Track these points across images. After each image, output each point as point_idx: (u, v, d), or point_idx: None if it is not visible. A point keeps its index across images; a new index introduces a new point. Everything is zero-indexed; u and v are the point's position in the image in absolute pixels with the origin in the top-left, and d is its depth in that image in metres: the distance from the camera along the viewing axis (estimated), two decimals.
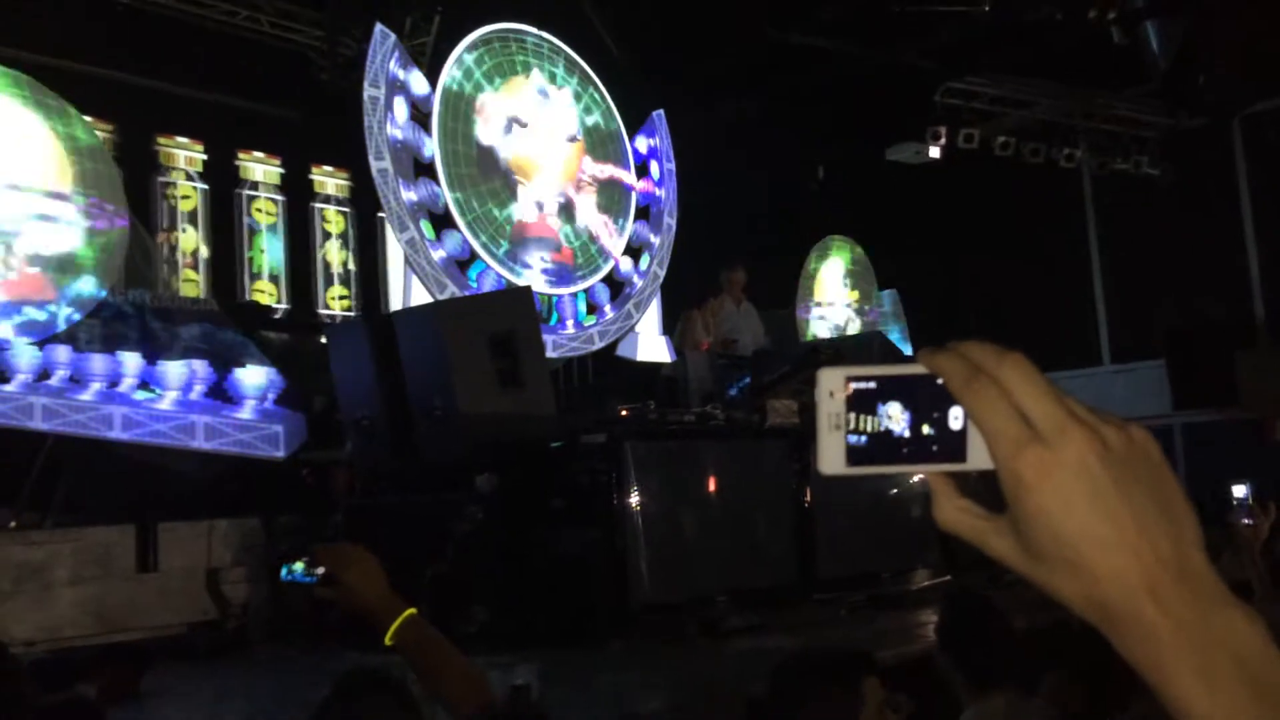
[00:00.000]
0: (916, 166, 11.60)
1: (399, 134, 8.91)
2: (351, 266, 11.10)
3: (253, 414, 7.42)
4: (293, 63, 9.95)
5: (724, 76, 11.00)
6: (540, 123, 10.11)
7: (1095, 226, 13.34)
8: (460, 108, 9.50)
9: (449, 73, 9.46)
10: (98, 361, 7.18)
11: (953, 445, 0.63)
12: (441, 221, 9.12)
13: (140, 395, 7.21)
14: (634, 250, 10.64)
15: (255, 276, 10.44)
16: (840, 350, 8.65)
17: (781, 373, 7.60)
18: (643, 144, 10.91)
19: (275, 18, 9.73)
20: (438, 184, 9.15)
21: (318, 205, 10.98)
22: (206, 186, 10.19)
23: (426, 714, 1.95)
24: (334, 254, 10.99)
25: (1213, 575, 0.59)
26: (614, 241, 10.48)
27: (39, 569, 5.96)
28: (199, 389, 7.38)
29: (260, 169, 10.58)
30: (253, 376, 7.54)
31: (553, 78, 10.32)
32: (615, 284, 10.40)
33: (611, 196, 10.55)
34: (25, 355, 6.97)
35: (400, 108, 8.95)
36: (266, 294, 10.40)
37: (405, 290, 8.94)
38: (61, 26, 8.46)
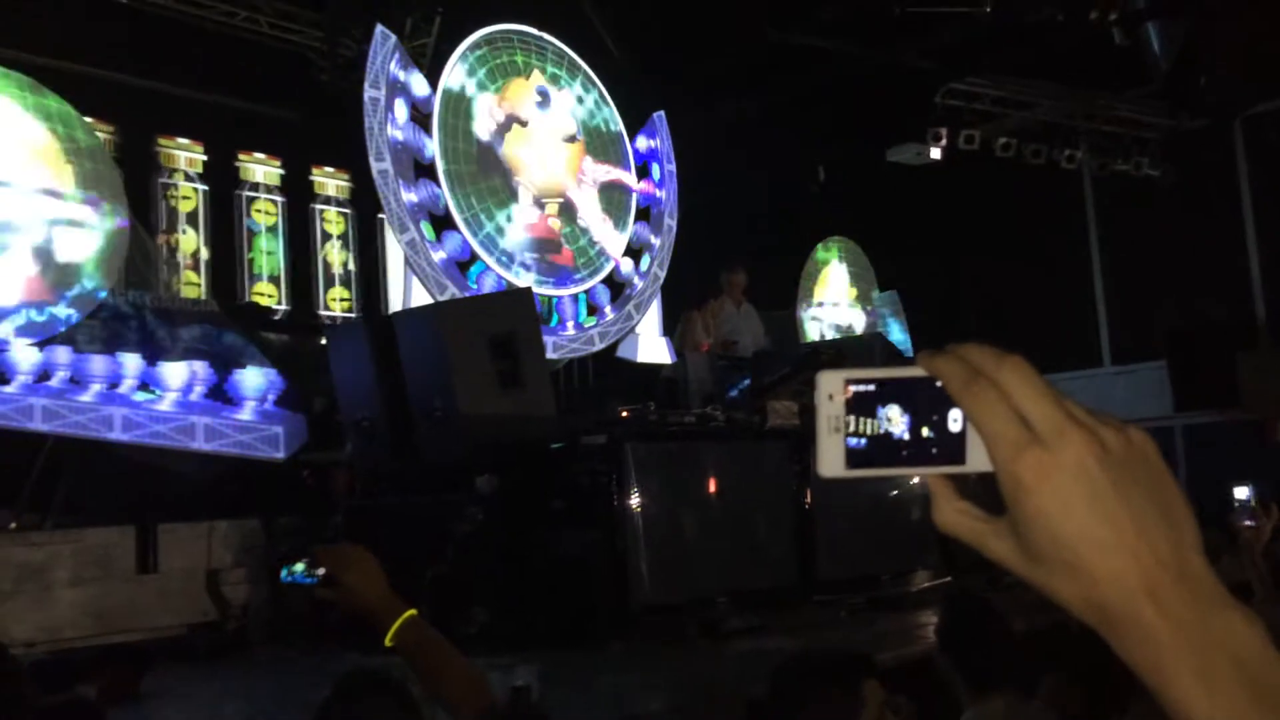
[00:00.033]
0: (917, 167, 11.60)
1: (399, 135, 8.91)
2: (352, 268, 11.10)
3: (253, 415, 7.42)
4: (293, 64, 9.96)
5: (724, 77, 11.00)
6: (541, 123, 10.12)
7: (1096, 228, 13.33)
8: (461, 107, 9.51)
9: (449, 73, 9.47)
10: (98, 363, 7.18)
11: (952, 448, 0.63)
12: (442, 223, 9.13)
13: (140, 396, 7.22)
14: (634, 251, 10.64)
15: (255, 278, 10.44)
16: (841, 351, 8.64)
17: (782, 374, 7.60)
18: (643, 145, 10.91)
19: (274, 18, 9.73)
20: (438, 185, 9.15)
21: (318, 206, 10.98)
22: (207, 188, 10.19)
23: (427, 715, 1.95)
24: (334, 255, 10.99)
25: (1212, 577, 0.59)
26: (614, 243, 10.49)
27: (39, 570, 5.96)
28: (199, 390, 7.38)
29: (260, 170, 10.58)
30: (253, 378, 7.54)
31: (554, 79, 10.33)
32: (616, 285, 10.41)
33: (612, 198, 10.55)
34: (25, 356, 6.97)
35: (401, 109, 8.95)
36: (267, 295, 10.40)
37: (405, 291, 8.94)
38: (62, 28, 8.46)
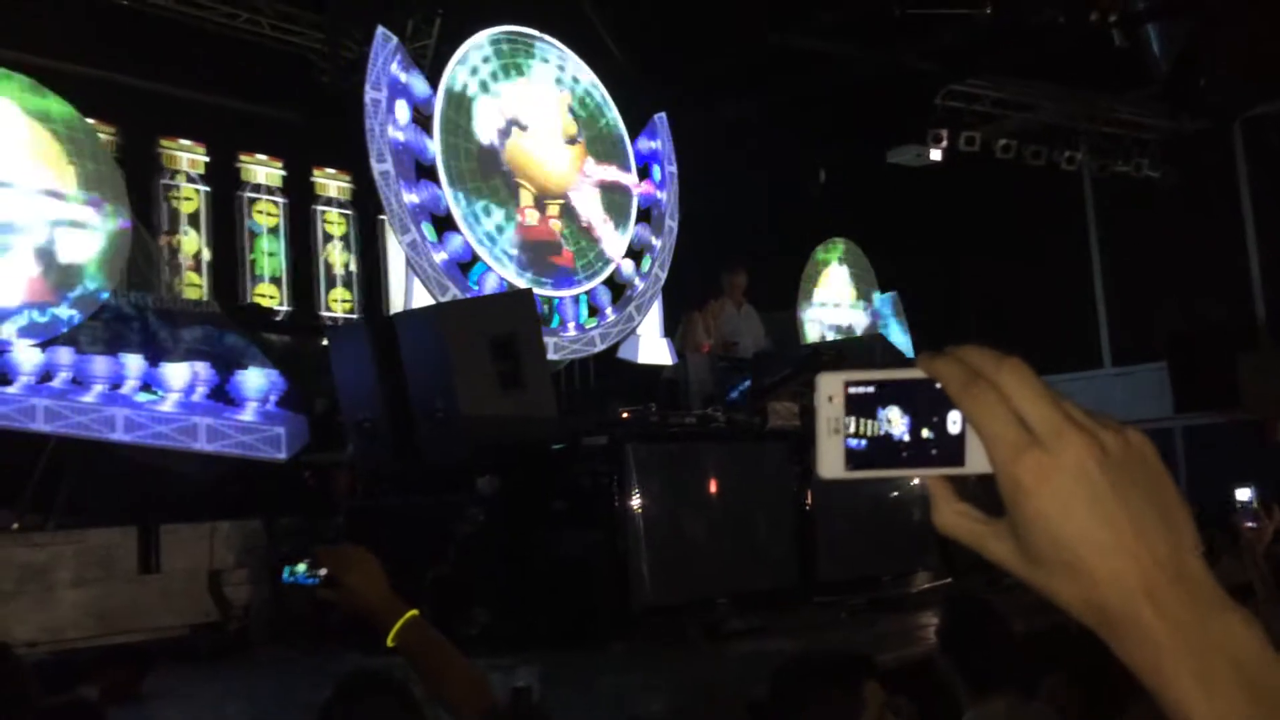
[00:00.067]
0: (918, 168, 11.61)
1: (400, 136, 8.92)
2: (353, 269, 11.10)
3: (255, 416, 7.43)
4: (294, 65, 9.96)
5: (724, 77, 11.00)
6: (542, 125, 10.12)
7: (1096, 229, 13.34)
8: (462, 107, 9.51)
9: (451, 74, 9.48)
10: (100, 363, 7.18)
11: (951, 449, 0.63)
12: (443, 224, 9.14)
13: (142, 397, 7.22)
14: (635, 253, 10.64)
15: (257, 279, 10.45)
16: (841, 352, 8.64)
17: (782, 375, 7.60)
18: (644, 146, 10.92)
19: (276, 20, 9.74)
20: (439, 186, 9.16)
21: (319, 208, 10.98)
22: (208, 189, 10.19)
23: (428, 716, 1.96)
24: (336, 256, 10.99)
25: (1210, 579, 0.59)
26: (615, 244, 10.49)
27: (41, 570, 5.97)
28: (201, 391, 7.39)
29: (262, 171, 10.58)
30: (254, 379, 7.55)
31: (556, 80, 10.34)
32: (616, 286, 10.41)
33: (613, 199, 10.56)
34: (28, 357, 6.97)
35: (402, 110, 8.96)
36: (268, 296, 10.40)
37: (407, 292, 8.95)
38: (63, 29, 8.47)
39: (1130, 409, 11.40)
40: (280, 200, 10.70)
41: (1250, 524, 3.91)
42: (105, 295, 7.55)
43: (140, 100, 9.48)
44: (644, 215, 10.78)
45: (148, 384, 7.27)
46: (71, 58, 8.54)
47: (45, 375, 7.00)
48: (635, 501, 5.76)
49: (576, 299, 10.06)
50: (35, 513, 6.57)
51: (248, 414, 7.42)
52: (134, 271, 8.11)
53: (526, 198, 9.88)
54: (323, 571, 1.81)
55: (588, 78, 10.60)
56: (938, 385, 0.63)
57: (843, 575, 6.59)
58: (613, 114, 10.72)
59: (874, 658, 2.46)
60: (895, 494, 6.87)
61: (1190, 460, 11.58)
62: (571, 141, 10.34)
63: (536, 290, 8.70)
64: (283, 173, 10.70)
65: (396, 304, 9.43)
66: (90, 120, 8.12)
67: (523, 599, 5.64)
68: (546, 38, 10.28)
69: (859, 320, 12.87)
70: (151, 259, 8.94)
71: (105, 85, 9.10)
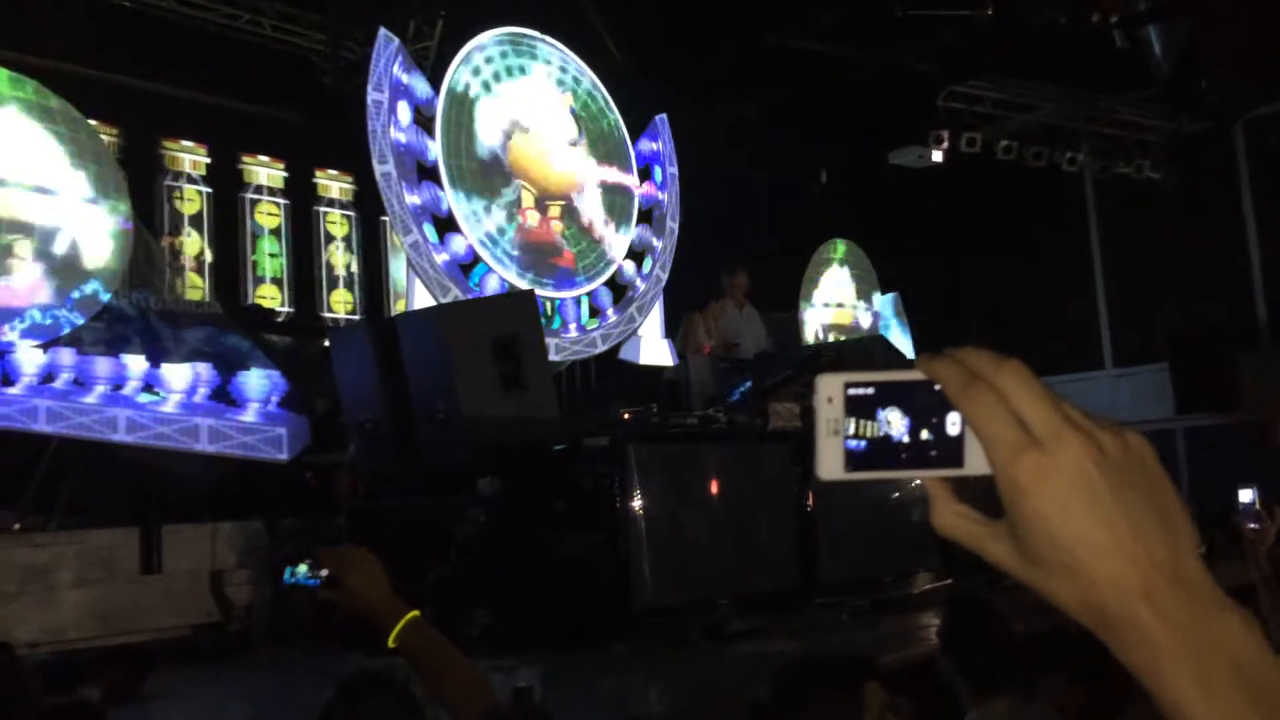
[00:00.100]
0: (919, 169, 11.60)
1: (402, 138, 8.92)
2: (355, 270, 11.10)
3: (256, 417, 7.43)
4: (296, 66, 9.96)
5: (725, 78, 11.00)
6: (544, 126, 10.12)
7: (1097, 230, 13.33)
8: (464, 108, 9.52)
9: (453, 75, 9.48)
10: (102, 364, 7.19)
11: (950, 450, 0.63)
12: (445, 225, 9.14)
13: (144, 398, 7.23)
14: (636, 254, 10.64)
15: (259, 280, 10.45)
16: (842, 353, 8.64)
17: (783, 376, 7.60)
18: (645, 148, 10.92)
19: (277, 21, 9.74)
20: (441, 188, 9.16)
21: (321, 209, 10.99)
22: (210, 190, 10.19)
23: (429, 717, 1.96)
24: (337, 257, 11.00)
25: (1209, 580, 0.59)
26: (616, 245, 10.49)
27: (43, 571, 5.98)
28: (203, 392, 7.39)
29: (264, 172, 10.59)
30: (256, 380, 7.55)
31: (557, 82, 10.34)
32: (618, 287, 10.41)
33: (614, 200, 10.56)
34: (30, 358, 6.98)
35: (404, 111, 8.96)
36: (270, 297, 10.40)
37: (408, 294, 8.95)
38: (64, 30, 8.47)
39: (1131, 410, 11.42)
40: (282, 201, 10.70)
41: (1253, 525, 3.91)
42: (107, 296, 7.56)
43: (142, 101, 9.49)
44: (645, 216, 10.78)
45: (149, 385, 7.27)
46: (73, 59, 8.55)
47: (47, 376, 7.01)
48: (636, 502, 5.76)
49: (578, 300, 10.06)
50: (37, 513, 6.58)
51: (249, 415, 7.42)
52: (136, 273, 8.12)
53: (528, 199, 9.88)
54: (324, 572, 1.81)
55: (589, 79, 10.60)
56: (937, 387, 0.63)
57: (844, 576, 6.59)
58: (614, 115, 10.72)
59: (875, 659, 2.46)
60: (896, 495, 6.86)
61: (1192, 461, 11.57)
62: (573, 143, 10.34)
63: (538, 291, 8.70)
64: (284, 174, 10.71)
65: (398, 305, 9.43)
66: (92, 121, 8.13)
67: (524, 600, 5.64)
68: (548, 39, 10.29)
69: (860, 321, 12.87)
70: (153, 260, 8.94)
71: (107, 86, 9.10)
